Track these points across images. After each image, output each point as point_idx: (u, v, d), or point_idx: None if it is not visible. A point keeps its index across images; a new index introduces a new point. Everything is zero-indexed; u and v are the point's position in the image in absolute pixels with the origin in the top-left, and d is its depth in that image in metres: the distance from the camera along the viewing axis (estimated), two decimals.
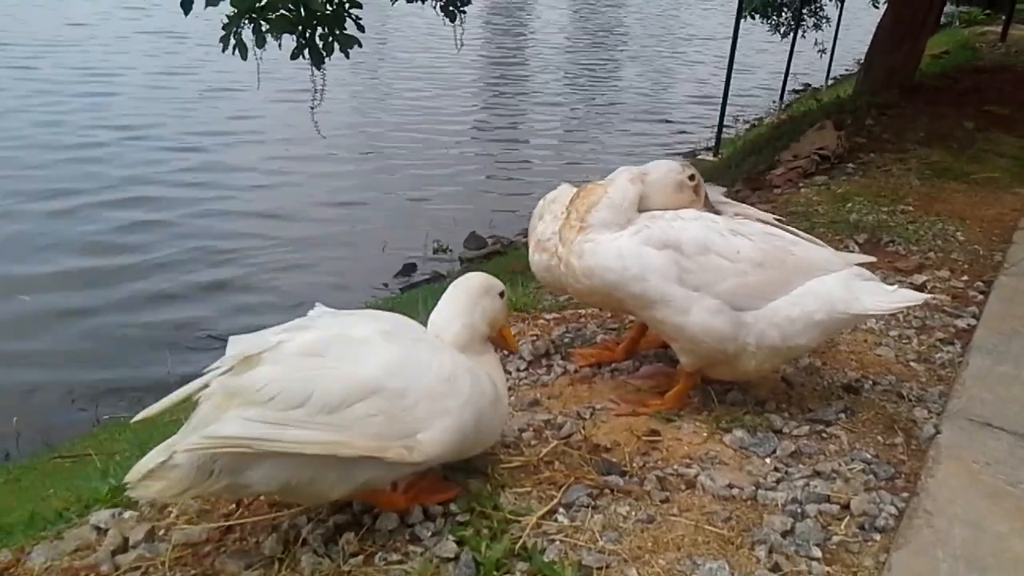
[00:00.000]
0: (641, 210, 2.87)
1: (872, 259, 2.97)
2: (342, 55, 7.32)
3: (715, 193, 3.19)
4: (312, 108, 8.31)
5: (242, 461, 1.93)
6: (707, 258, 2.70)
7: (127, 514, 2.45)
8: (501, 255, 10.58)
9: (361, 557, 2.18)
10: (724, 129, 13.94)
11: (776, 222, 3.00)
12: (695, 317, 2.70)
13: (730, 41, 13.30)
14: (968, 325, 3.80)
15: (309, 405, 1.95)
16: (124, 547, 2.27)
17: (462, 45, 9.16)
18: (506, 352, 3.30)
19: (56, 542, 2.37)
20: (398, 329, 2.29)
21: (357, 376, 2.05)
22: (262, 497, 2.31)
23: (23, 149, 12.99)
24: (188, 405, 2.04)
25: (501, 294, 2.58)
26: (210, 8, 6.20)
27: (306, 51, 7.14)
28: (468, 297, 2.51)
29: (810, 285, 2.73)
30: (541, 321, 3.91)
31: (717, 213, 2.95)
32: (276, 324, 2.23)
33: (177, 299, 9.20)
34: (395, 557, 2.18)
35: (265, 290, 9.56)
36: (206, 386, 1.99)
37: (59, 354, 7.98)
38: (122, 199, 11.58)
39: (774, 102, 19.55)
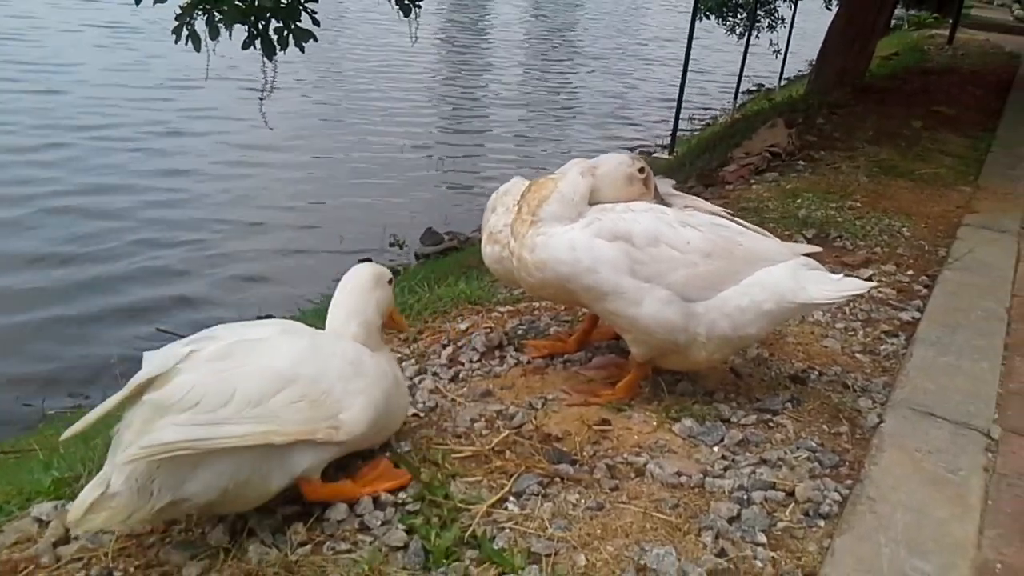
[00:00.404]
0: (592, 203, 2.88)
1: (818, 249, 3.02)
2: (296, 48, 7.26)
3: (665, 186, 3.22)
4: (261, 99, 8.23)
5: (179, 473, 1.96)
6: (658, 249, 2.72)
7: (70, 505, 2.39)
8: (457, 251, 10.57)
9: (309, 547, 2.17)
10: (680, 128, 14.05)
11: (726, 215, 3.03)
12: (647, 308, 2.72)
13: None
14: (912, 318, 3.88)
15: (234, 402, 2.01)
16: (66, 539, 2.22)
17: (417, 39, 9.14)
18: (398, 333, 3.40)
19: None
20: (295, 328, 2.37)
21: (272, 368, 2.13)
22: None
23: None
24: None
25: (390, 281, 2.62)
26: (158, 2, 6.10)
27: (257, 42, 7.07)
28: (361, 292, 2.54)
29: (759, 275, 2.77)
30: (495, 314, 3.91)
31: (667, 205, 2.97)
32: (227, 319, 2.25)
33: (124, 293, 9.02)
34: (344, 546, 2.17)
35: (217, 284, 9.43)
36: (127, 398, 2.00)
37: (2, 347, 7.79)
38: (69, 190, 11.33)
39: (728, 102, 19.77)
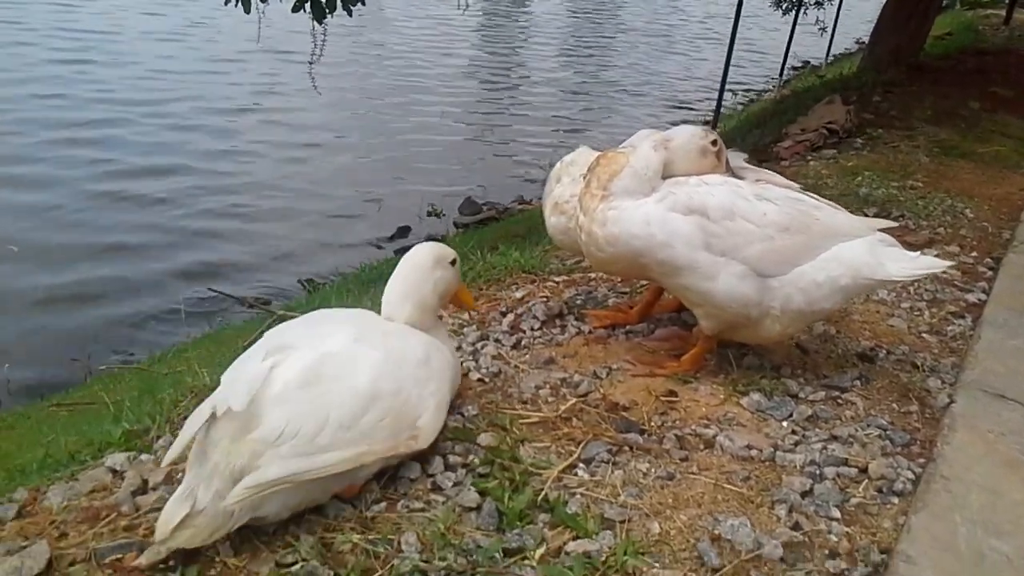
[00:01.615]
0: (664, 176, 2.83)
1: (894, 224, 2.96)
2: (344, 12, 7.26)
3: (737, 159, 3.17)
4: (311, 64, 8.22)
5: (259, 499, 1.97)
6: (734, 223, 2.67)
7: (144, 456, 2.43)
8: (496, 221, 10.54)
9: (384, 504, 2.18)
10: (723, 104, 13.86)
11: (799, 189, 2.98)
12: (722, 283, 2.68)
13: (732, 19, 13.18)
14: (978, 300, 3.82)
15: (328, 429, 2.03)
16: (144, 488, 2.25)
17: (467, 6, 9.08)
18: (467, 312, 3.38)
19: (72, 483, 2.34)
20: (363, 328, 2.35)
21: (358, 390, 2.13)
22: None
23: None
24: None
25: (453, 262, 2.58)
26: None
27: (307, 5, 7.07)
28: (419, 273, 2.51)
29: (836, 250, 2.72)
30: (550, 283, 3.89)
31: (739, 179, 2.92)
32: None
33: (173, 252, 9.12)
34: (418, 505, 2.18)
35: (258, 250, 9.47)
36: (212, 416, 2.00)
37: (49, 303, 7.90)
38: (115, 159, 11.41)
39: (773, 78, 19.46)
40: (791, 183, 3.05)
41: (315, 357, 2.14)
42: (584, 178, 2.90)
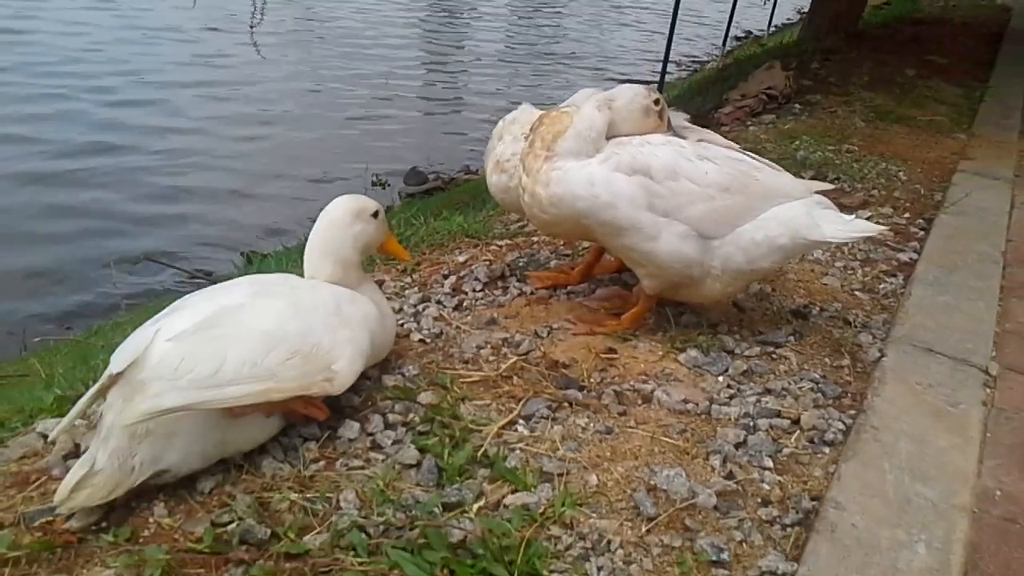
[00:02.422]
0: (606, 136, 2.83)
1: (831, 186, 3.02)
2: None
3: (678, 119, 3.19)
4: (252, 28, 8.02)
5: (158, 446, 1.96)
6: (677, 183, 2.69)
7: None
8: (442, 191, 10.48)
9: (323, 463, 2.18)
10: (667, 74, 13.91)
11: (739, 149, 3.01)
12: (664, 243, 2.70)
13: None
14: (910, 259, 3.91)
15: (229, 366, 2.00)
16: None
17: None
18: (399, 262, 3.42)
19: (1, 450, 2.30)
20: (267, 285, 2.33)
21: (260, 330, 2.11)
22: None
23: None
24: (131, 326, 2.02)
25: (375, 214, 2.54)
26: None
27: None
28: (336, 229, 2.48)
29: (774, 210, 2.76)
30: (493, 247, 3.89)
31: (681, 138, 2.93)
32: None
33: (107, 224, 8.87)
34: (357, 463, 2.18)
35: (197, 219, 9.26)
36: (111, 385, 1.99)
37: None
38: (55, 136, 11.05)
39: (716, 47, 19.58)
40: (732, 143, 3.08)
41: (212, 309, 2.13)
42: (526, 138, 2.88)
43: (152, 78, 13.21)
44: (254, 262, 7.02)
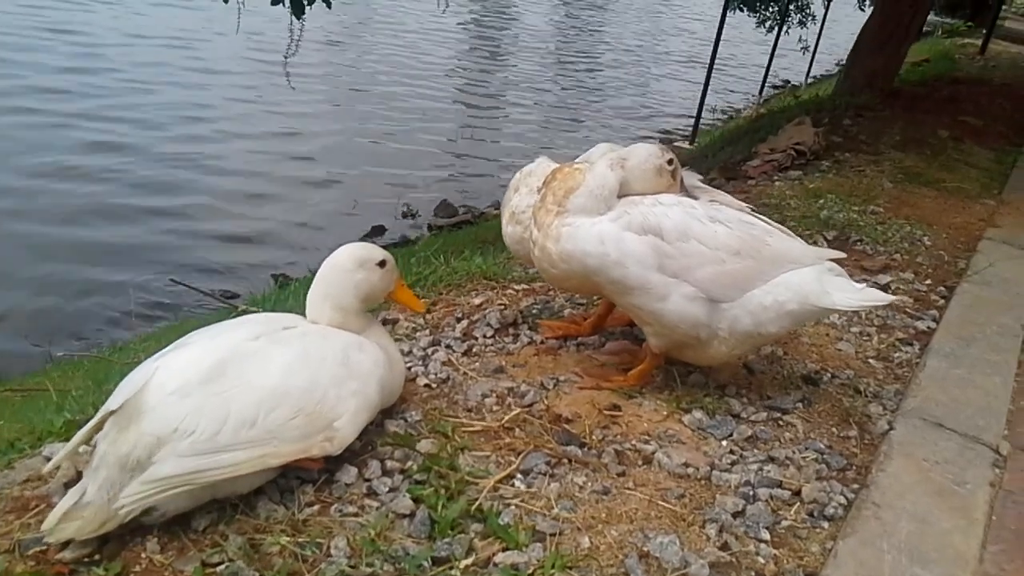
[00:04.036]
0: (619, 195, 2.85)
1: (843, 255, 3.00)
2: (323, 4, 7.25)
3: (691, 178, 3.20)
4: (286, 58, 8.15)
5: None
6: (687, 244, 2.69)
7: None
8: (472, 224, 10.56)
9: (317, 507, 2.19)
10: (702, 120, 13.96)
11: (751, 211, 3.01)
12: (672, 304, 2.70)
13: (714, 33, 13.31)
14: (928, 328, 3.87)
15: (229, 427, 2.00)
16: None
17: (447, 6, 9.07)
18: (423, 316, 3.41)
19: (7, 471, 2.33)
20: (274, 330, 2.31)
21: (265, 386, 2.11)
22: None
23: None
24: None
25: (381, 263, 2.53)
26: None
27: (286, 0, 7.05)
28: (337, 275, 2.48)
29: (784, 276, 2.75)
30: (510, 291, 3.91)
31: (693, 199, 2.94)
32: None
33: (139, 245, 9.05)
34: (351, 509, 2.19)
35: (228, 248, 9.40)
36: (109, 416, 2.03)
37: (11, 288, 7.82)
38: (86, 143, 11.29)
39: (752, 96, 19.64)
40: (743, 204, 3.08)
41: (216, 356, 2.12)
42: (539, 191, 2.91)
43: (191, 113, 13.41)
44: (284, 289, 7.09)
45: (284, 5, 7.12)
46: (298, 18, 7.32)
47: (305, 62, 9.52)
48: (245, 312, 3.94)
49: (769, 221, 2.93)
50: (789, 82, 22.07)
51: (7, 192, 9.50)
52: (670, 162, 2.89)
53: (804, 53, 19.99)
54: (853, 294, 2.79)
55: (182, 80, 14.63)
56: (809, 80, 20.47)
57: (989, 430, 3.01)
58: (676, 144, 13.71)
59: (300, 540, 2.05)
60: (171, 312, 7.74)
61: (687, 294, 2.70)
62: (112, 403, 2.01)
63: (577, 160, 3.06)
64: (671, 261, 2.69)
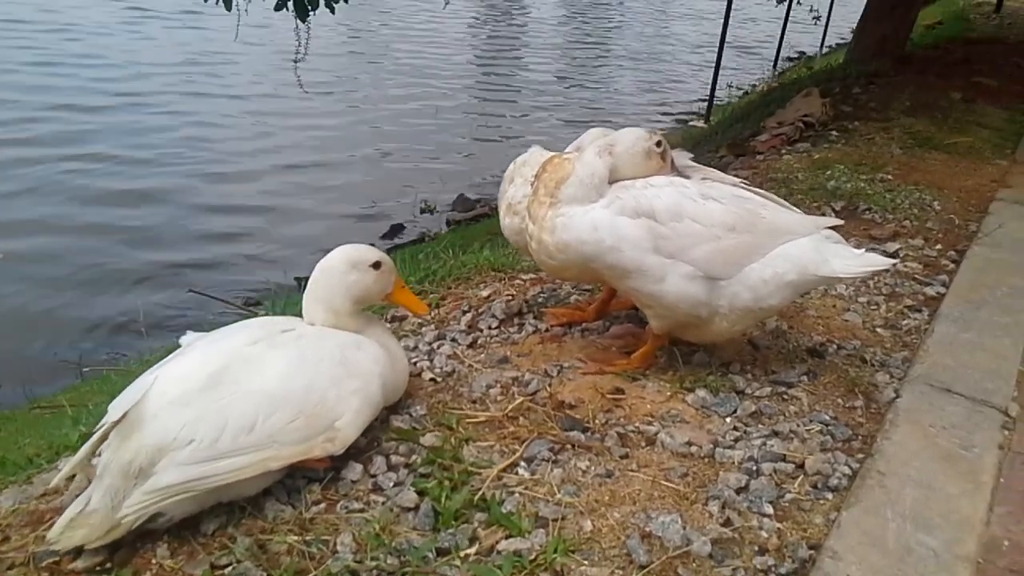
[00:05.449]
0: (610, 180, 2.85)
1: (840, 222, 3.00)
2: (327, 9, 7.29)
3: (681, 158, 3.19)
4: (295, 62, 8.21)
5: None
6: (681, 224, 2.70)
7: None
8: (489, 217, 10.56)
9: (323, 505, 2.23)
10: (717, 96, 13.84)
11: (745, 186, 3.01)
12: (670, 285, 2.72)
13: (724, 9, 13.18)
14: (937, 293, 3.84)
15: (228, 433, 2.05)
16: None
17: (447, 3, 9.08)
18: (415, 314, 3.38)
19: (25, 486, 2.40)
20: (272, 334, 2.34)
21: (263, 390, 2.14)
22: None
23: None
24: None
25: (376, 265, 2.53)
26: None
27: (290, 3, 7.10)
28: (329, 277, 2.50)
29: (781, 248, 2.75)
30: (518, 281, 3.94)
31: (685, 178, 2.95)
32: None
33: (161, 254, 9.16)
34: (357, 506, 2.23)
35: (248, 247, 9.50)
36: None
37: (42, 306, 7.96)
38: (103, 155, 11.46)
39: (767, 70, 19.43)
40: (736, 180, 3.08)
41: (214, 364, 2.17)
42: (532, 184, 2.94)
43: (200, 112, 13.56)
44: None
45: (288, 9, 7.18)
46: (303, 20, 7.38)
47: (315, 67, 9.58)
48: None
49: (764, 193, 2.93)
50: (804, 53, 21.78)
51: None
52: (658, 144, 2.89)
53: (816, 23, 19.77)
54: (852, 260, 2.79)
55: (196, 90, 14.78)
56: (824, 50, 20.22)
57: (998, 392, 3.00)
58: (691, 124, 13.64)
59: (307, 538, 2.10)
60: (195, 323, 7.85)
61: (685, 274, 2.71)
62: (115, 413, 2.06)
63: (569, 146, 3.07)
64: (666, 242, 2.70)
